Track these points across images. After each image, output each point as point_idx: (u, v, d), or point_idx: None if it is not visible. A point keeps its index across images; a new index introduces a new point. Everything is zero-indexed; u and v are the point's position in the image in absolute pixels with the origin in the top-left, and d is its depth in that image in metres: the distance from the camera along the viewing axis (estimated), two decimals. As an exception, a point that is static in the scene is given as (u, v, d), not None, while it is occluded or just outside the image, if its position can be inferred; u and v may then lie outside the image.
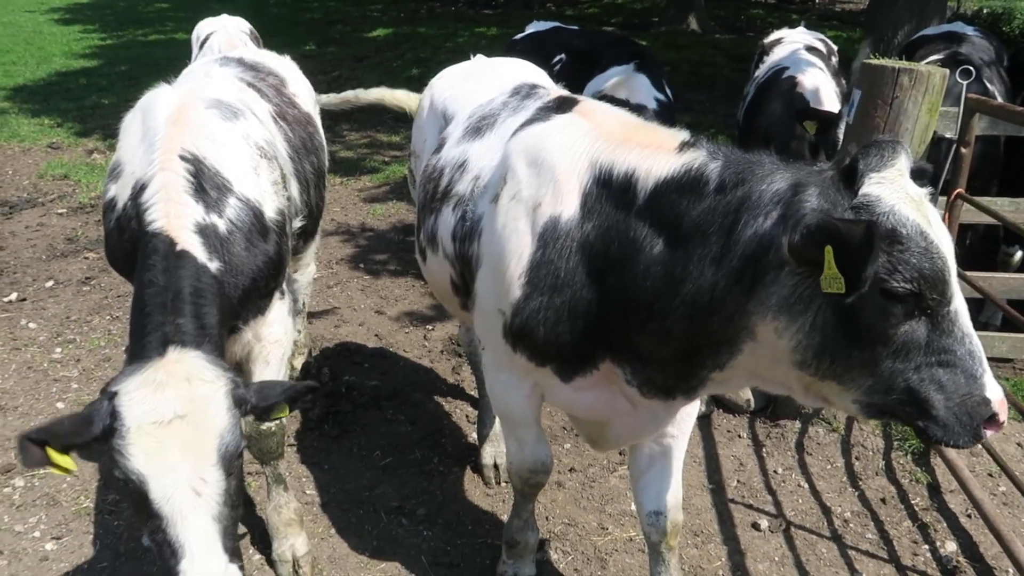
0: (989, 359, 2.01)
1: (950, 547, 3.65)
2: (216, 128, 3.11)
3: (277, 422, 3.26)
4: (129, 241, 2.80)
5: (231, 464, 2.30)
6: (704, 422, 4.48)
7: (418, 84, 4.56)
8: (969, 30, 6.00)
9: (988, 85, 5.01)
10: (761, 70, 6.25)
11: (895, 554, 3.62)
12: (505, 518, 3.63)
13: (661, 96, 5.51)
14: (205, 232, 2.76)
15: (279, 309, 3.24)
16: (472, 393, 4.76)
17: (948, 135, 3.93)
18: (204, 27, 6.71)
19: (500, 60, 3.89)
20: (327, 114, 4.84)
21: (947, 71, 3.76)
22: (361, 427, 4.48)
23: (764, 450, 4.31)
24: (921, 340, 1.94)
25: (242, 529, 3.66)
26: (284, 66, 4.39)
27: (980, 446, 3.99)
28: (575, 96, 2.92)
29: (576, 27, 7.58)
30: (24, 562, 3.46)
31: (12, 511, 3.76)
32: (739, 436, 4.44)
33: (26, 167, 8.85)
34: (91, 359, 5.08)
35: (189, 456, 2.22)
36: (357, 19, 19.29)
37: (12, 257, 6.55)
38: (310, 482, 4.04)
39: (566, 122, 2.57)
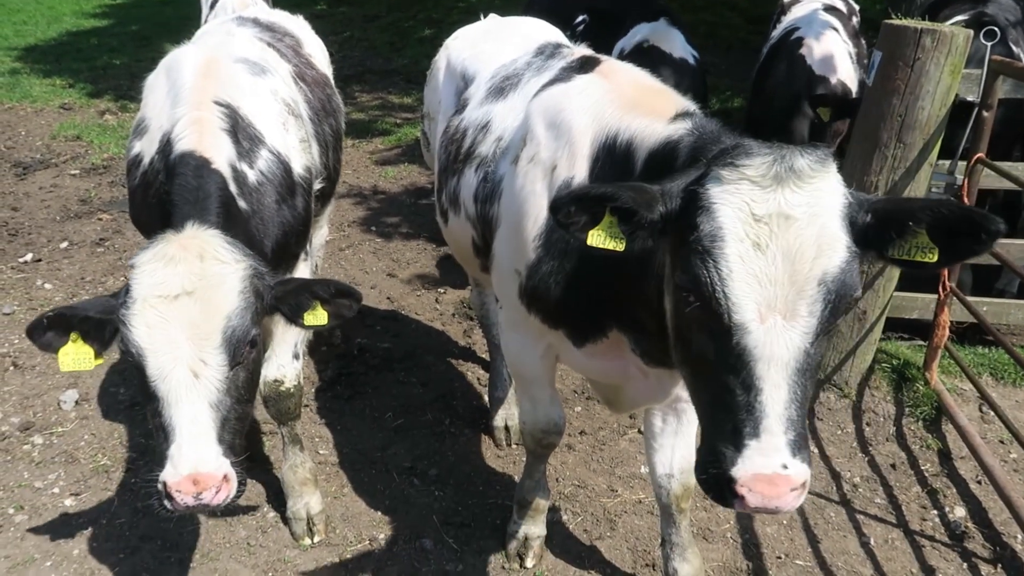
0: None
1: (959, 512, 3.67)
2: (246, 81, 3.06)
3: (295, 383, 3.28)
4: (155, 198, 2.70)
5: (237, 351, 2.21)
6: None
7: (430, 45, 4.51)
8: (996, -11, 5.85)
9: (1013, 47, 4.89)
10: (777, 30, 6.12)
11: (903, 519, 3.64)
12: (516, 480, 3.67)
13: (695, 52, 5.46)
14: (237, 177, 2.68)
15: (303, 271, 3.22)
16: (483, 356, 4.78)
17: (970, 98, 3.85)
18: (214, -14, 6.64)
19: (515, 19, 3.83)
20: (338, 75, 4.79)
21: (971, 32, 3.67)
22: (373, 389, 4.51)
23: (775, 415, 4.31)
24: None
25: (258, 487, 3.73)
26: (298, 26, 4.34)
27: (992, 412, 3.98)
28: (599, 56, 2.86)
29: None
30: (44, 517, 3.53)
31: (32, 467, 3.83)
32: (750, 401, 4.44)
33: (39, 128, 8.86)
34: (106, 319, 5.11)
35: (191, 334, 2.15)
36: (369, -22, 19.04)
37: (27, 218, 6.59)
38: (323, 442, 4.09)
39: (586, 83, 2.54)
